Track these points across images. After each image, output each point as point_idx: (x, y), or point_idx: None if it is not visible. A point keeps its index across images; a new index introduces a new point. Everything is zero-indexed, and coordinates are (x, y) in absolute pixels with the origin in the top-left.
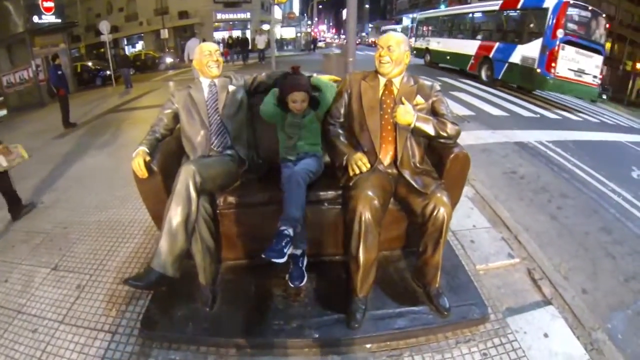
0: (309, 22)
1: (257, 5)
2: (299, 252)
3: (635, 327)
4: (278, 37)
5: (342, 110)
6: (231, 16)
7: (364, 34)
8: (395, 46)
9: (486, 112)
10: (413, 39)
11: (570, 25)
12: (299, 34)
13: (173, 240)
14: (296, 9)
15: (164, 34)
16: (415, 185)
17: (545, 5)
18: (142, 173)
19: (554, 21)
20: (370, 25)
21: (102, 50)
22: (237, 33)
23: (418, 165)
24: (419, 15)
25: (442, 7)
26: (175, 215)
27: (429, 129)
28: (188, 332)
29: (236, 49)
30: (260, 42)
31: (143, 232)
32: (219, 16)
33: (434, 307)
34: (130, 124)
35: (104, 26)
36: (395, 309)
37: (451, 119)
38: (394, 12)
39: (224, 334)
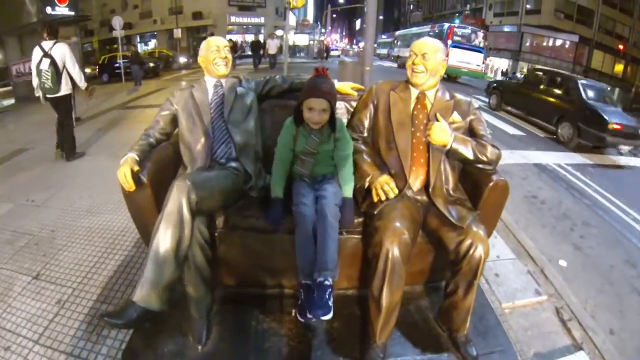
0: (323, 30)
1: (272, 10)
2: (329, 280)
3: None
4: (291, 43)
5: (367, 124)
6: (245, 20)
7: (374, 44)
8: (431, 54)
9: (502, 130)
10: (395, 49)
11: (456, 38)
12: (312, 42)
13: (160, 269)
14: (310, 16)
15: (177, 33)
16: (450, 217)
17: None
18: (129, 185)
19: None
20: (383, 36)
21: (115, 45)
22: (250, 37)
23: (451, 192)
24: (396, 33)
25: (457, 22)
26: (164, 240)
27: (468, 152)
28: None
29: (238, 53)
30: (272, 47)
31: (135, 243)
32: (233, 19)
33: (460, 356)
34: (136, 122)
35: (117, 22)
36: (416, 356)
37: (491, 141)
38: (408, 24)
39: None
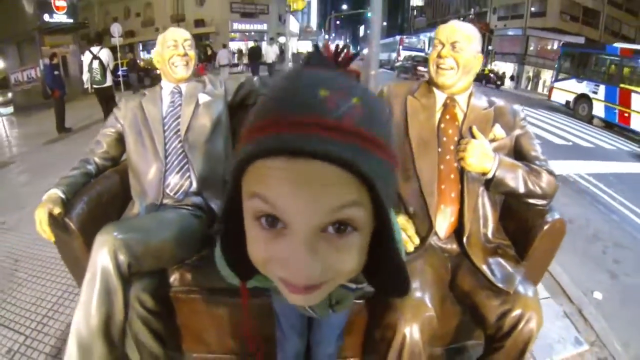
0: (326, 37)
1: (274, 17)
2: None
3: None
4: (294, 50)
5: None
6: (247, 27)
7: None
8: (464, 42)
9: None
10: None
11: (405, 44)
12: None
13: (87, 354)
14: (314, 23)
15: None
16: (491, 278)
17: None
18: (47, 235)
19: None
20: (419, 38)
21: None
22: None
23: (490, 238)
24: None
25: None
26: (86, 318)
27: (517, 183)
28: None
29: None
30: (270, 54)
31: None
32: (235, 26)
33: None
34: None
35: (115, 29)
36: None
37: (546, 165)
38: (412, 31)
39: None
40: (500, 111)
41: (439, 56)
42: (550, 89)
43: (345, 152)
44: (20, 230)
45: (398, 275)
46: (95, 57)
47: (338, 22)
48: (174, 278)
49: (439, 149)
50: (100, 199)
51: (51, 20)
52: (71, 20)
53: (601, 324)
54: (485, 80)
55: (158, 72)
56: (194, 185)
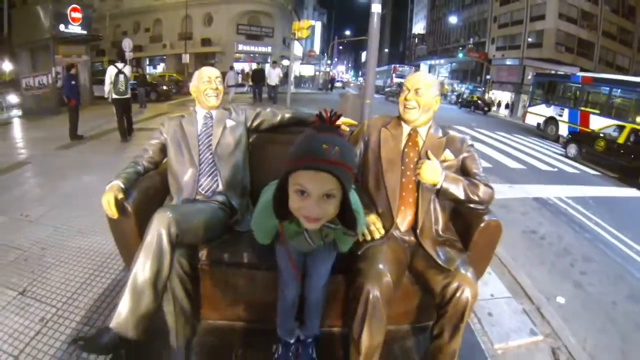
0: (329, 62)
1: (279, 40)
2: (311, 340)
3: None
4: (297, 73)
5: (356, 160)
6: (252, 48)
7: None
8: (424, 89)
9: (503, 165)
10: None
11: (398, 72)
12: (317, 72)
13: (138, 299)
14: (317, 47)
15: (185, 58)
16: (437, 260)
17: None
18: (112, 213)
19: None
20: (409, 68)
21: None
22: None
23: (441, 233)
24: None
25: (460, 55)
26: (142, 270)
27: (459, 192)
28: None
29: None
30: (273, 76)
31: (122, 267)
32: (241, 47)
33: None
34: (136, 145)
35: (127, 43)
36: None
37: (485, 180)
38: (413, 58)
39: None
40: (451, 139)
41: (406, 99)
42: (525, 114)
43: (333, 170)
44: (43, 223)
45: (353, 220)
46: (120, 71)
47: (341, 47)
48: (201, 253)
49: (402, 167)
50: (148, 192)
51: (66, 31)
52: (85, 32)
53: (558, 322)
54: (474, 106)
55: (165, 87)
56: (220, 187)
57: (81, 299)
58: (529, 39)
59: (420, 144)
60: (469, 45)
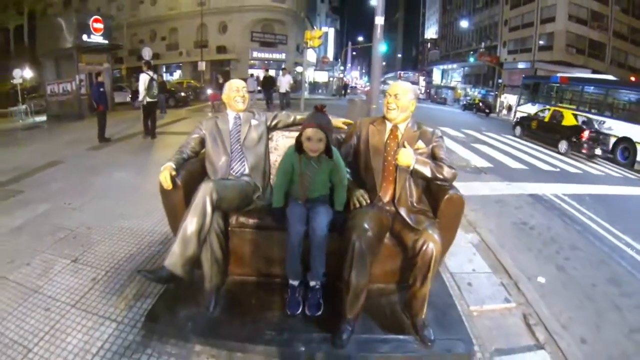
0: (342, 68)
1: (293, 47)
2: (318, 284)
3: None
4: (311, 80)
5: (352, 151)
6: (267, 55)
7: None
8: (401, 95)
9: (505, 165)
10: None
11: (403, 78)
12: (331, 79)
13: (186, 245)
14: (330, 53)
15: (201, 66)
16: (409, 222)
17: (396, 74)
18: (167, 185)
19: (397, 77)
20: (414, 74)
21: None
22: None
23: (415, 204)
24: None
25: (471, 60)
26: (190, 224)
27: (427, 172)
28: (187, 330)
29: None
30: (284, 84)
31: (160, 243)
32: (255, 54)
33: (418, 338)
34: (160, 147)
35: (147, 52)
36: (381, 335)
37: (448, 163)
38: (426, 63)
39: (219, 336)
40: (423, 132)
41: (388, 102)
42: (514, 112)
43: (323, 126)
44: (86, 210)
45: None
46: (152, 79)
47: (354, 53)
48: (232, 219)
49: (385, 154)
50: (192, 173)
51: (89, 40)
52: (106, 42)
53: (533, 295)
54: (477, 109)
55: (183, 94)
56: (247, 170)
57: (126, 265)
58: (540, 42)
59: (400, 137)
60: (481, 49)
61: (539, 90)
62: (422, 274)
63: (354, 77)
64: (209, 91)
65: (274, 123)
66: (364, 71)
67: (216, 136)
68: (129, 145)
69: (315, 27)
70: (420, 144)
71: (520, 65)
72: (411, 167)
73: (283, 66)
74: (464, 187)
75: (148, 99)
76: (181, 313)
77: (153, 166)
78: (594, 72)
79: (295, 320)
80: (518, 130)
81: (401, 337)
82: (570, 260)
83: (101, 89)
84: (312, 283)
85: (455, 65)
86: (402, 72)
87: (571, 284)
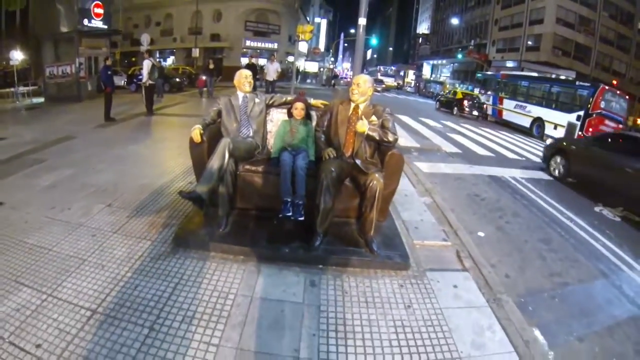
0: (332, 59)
1: (285, 37)
2: (300, 202)
3: (547, 305)
4: (301, 69)
5: (326, 123)
6: (259, 44)
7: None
8: (362, 83)
9: (473, 152)
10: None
11: (382, 72)
12: (322, 69)
13: (210, 178)
14: (322, 44)
15: (195, 52)
16: (362, 169)
17: (377, 68)
18: (197, 139)
19: (377, 72)
20: (392, 68)
21: (134, 59)
22: (262, 61)
23: (368, 158)
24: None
25: (460, 56)
26: (214, 163)
27: (376, 136)
28: (205, 241)
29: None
30: (271, 72)
31: (171, 196)
32: (248, 43)
33: (367, 249)
34: (160, 125)
35: (145, 39)
36: (342, 247)
37: (393, 131)
38: (416, 57)
39: (228, 245)
40: (377, 110)
41: (352, 89)
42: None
43: (305, 103)
44: (109, 172)
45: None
46: (153, 65)
47: (346, 45)
48: (240, 166)
49: (348, 124)
50: (212, 133)
51: (89, 25)
52: (105, 27)
53: (468, 240)
54: (458, 107)
55: (177, 80)
56: (251, 133)
57: (152, 208)
58: (528, 42)
59: (360, 112)
60: (470, 47)
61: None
62: (370, 203)
63: (345, 68)
64: (203, 77)
65: (271, 102)
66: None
67: (230, 109)
68: (132, 124)
69: (308, 18)
70: (373, 118)
71: (508, 64)
72: (365, 133)
73: (271, 53)
74: (430, 167)
75: (150, 82)
76: (200, 231)
77: (159, 141)
78: (579, 74)
79: (282, 232)
80: (455, 110)
81: (356, 249)
82: (510, 224)
83: (109, 72)
84: (297, 201)
85: (445, 61)
86: (382, 67)
87: (506, 239)
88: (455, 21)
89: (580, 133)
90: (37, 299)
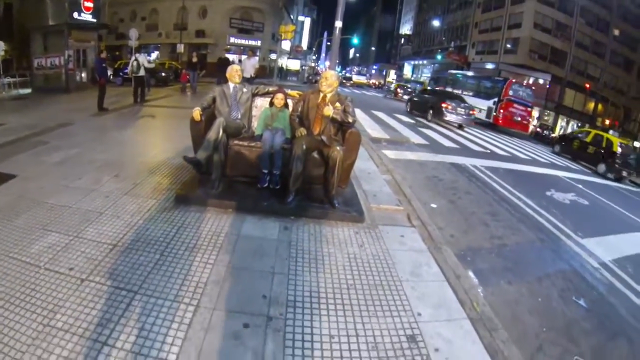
0: (314, 57)
1: (269, 34)
2: (277, 172)
3: (484, 258)
4: (283, 66)
5: (300, 109)
6: (243, 42)
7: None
8: (329, 77)
9: (440, 143)
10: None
11: (355, 71)
12: (304, 67)
13: (207, 147)
14: (305, 42)
15: (180, 48)
16: (327, 143)
17: (352, 68)
18: (197, 118)
19: (350, 71)
20: (374, 67)
21: (118, 53)
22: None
23: (332, 136)
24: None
25: (439, 57)
26: (211, 137)
27: (338, 118)
28: (201, 198)
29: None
30: (248, 68)
31: (169, 169)
32: (232, 40)
33: (330, 206)
34: (150, 115)
35: (133, 34)
36: (310, 203)
37: (352, 114)
38: (398, 58)
39: (220, 201)
40: (340, 98)
41: (321, 82)
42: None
43: (284, 94)
44: (109, 152)
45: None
46: (136, 59)
47: (329, 43)
48: (231, 141)
49: (317, 110)
50: (208, 115)
51: (79, 18)
52: (95, 20)
53: (419, 207)
54: (434, 112)
55: (164, 74)
56: (239, 116)
57: (153, 178)
58: (507, 45)
59: (327, 100)
60: (451, 48)
61: (439, 80)
62: (332, 169)
63: (328, 66)
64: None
65: (256, 91)
66: (337, 61)
67: (223, 96)
68: (125, 113)
69: (292, 17)
70: (337, 104)
71: (486, 66)
72: (330, 116)
73: (249, 49)
74: (396, 155)
75: (140, 74)
76: (197, 191)
77: (151, 128)
78: (554, 77)
79: (263, 193)
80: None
81: (321, 205)
82: (462, 199)
83: (103, 65)
84: (274, 171)
85: (426, 62)
86: (357, 67)
87: (455, 210)
88: (436, 23)
89: (494, 114)
90: (65, 239)
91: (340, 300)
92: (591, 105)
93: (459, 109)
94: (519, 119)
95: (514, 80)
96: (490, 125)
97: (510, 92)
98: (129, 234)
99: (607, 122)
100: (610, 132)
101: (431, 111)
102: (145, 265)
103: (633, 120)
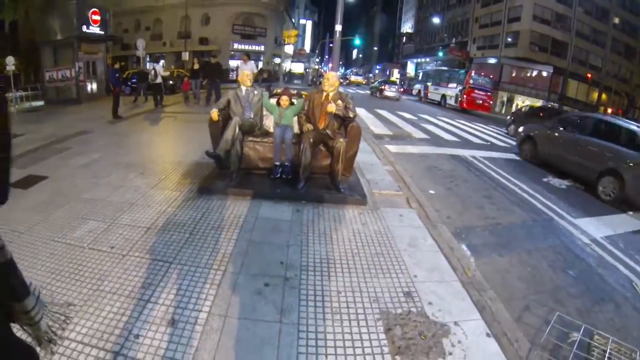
0: (317, 60)
1: (271, 39)
2: (289, 164)
3: (478, 235)
4: (288, 70)
5: (306, 107)
6: (246, 47)
7: (370, 74)
8: (331, 78)
9: (440, 137)
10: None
11: (354, 72)
12: (307, 70)
13: (226, 143)
14: (307, 45)
15: (185, 56)
16: (331, 136)
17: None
18: (215, 118)
19: (351, 72)
20: (377, 67)
21: (123, 63)
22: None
23: (336, 130)
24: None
25: (440, 54)
26: (228, 134)
27: (340, 113)
28: (221, 188)
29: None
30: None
31: (188, 167)
32: (235, 46)
33: (336, 191)
34: (164, 121)
35: (140, 44)
36: (318, 189)
37: (353, 110)
38: (400, 56)
39: (238, 190)
40: (342, 95)
41: (323, 82)
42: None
43: (289, 94)
44: (132, 155)
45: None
46: (154, 69)
47: (331, 45)
48: (246, 138)
49: (321, 107)
50: (224, 116)
51: (88, 31)
52: (102, 32)
53: (418, 193)
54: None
55: (171, 82)
56: (252, 116)
57: (174, 176)
58: (508, 39)
59: (330, 98)
60: (452, 45)
61: (428, 75)
62: (336, 159)
63: (331, 68)
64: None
65: (265, 95)
66: (341, 62)
67: (236, 99)
68: (139, 119)
69: (293, 20)
70: (339, 101)
71: (489, 61)
72: (333, 112)
73: (246, 53)
74: (399, 149)
75: (157, 81)
76: (217, 183)
77: (167, 132)
78: (556, 68)
79: (276, 182)
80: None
81: (328, 190)
82: (459, 186)
83: (117, 75)
84: (285, 163)
85: (428, 59)
86: (354, 69)
87: (453, 195)
88: (437, 20)
89: (460, 99)
90: (103, 225)
91: (346, 265)
92: (595, 94)
93: (392, 88)
94: (481, 102)
95: (474, 72)
96: (459, 109)
97: (471, 81)
98: (160, 218)
99: (610, 110)
100: None
101: (378, 93)
102: (177, 242)
103: (638, 107)
